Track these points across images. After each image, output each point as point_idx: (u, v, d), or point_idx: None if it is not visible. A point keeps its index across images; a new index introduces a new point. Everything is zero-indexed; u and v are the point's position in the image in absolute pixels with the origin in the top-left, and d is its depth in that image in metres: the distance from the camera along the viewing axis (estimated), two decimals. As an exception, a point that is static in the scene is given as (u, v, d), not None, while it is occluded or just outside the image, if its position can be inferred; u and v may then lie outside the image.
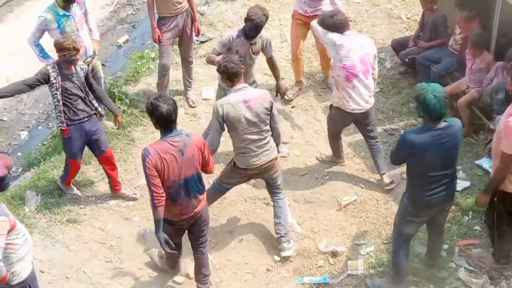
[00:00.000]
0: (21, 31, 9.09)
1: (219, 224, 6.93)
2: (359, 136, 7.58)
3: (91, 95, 6.75)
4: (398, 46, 8.60)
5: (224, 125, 6.05)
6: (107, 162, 7.05)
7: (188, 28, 8.15)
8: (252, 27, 6.86)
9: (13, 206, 7.04)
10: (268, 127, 6.12)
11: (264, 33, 7.11)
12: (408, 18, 9.62)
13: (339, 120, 7.03)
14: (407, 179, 5.58)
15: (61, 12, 7.23)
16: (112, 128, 8.00)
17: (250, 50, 7.01)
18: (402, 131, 7.81)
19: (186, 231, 5.86)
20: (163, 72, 8.33)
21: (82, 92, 6.64)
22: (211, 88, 8.69)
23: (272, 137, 6.22)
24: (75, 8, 7.31)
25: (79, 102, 6.66)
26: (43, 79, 6.52)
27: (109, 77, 8.92)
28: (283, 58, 9.17)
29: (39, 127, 8.79)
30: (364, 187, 7.19)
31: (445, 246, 6.35)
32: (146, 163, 5.29)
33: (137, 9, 11.12)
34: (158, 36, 8.01)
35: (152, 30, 8.06)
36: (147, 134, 8.10)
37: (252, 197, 7.22)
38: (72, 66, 6.55)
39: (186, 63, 8.46)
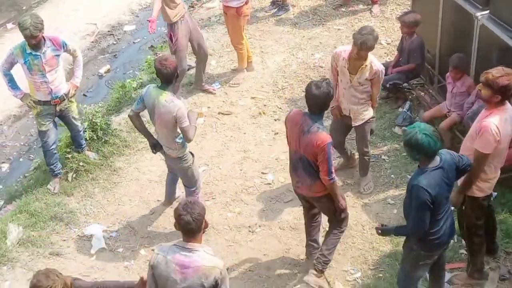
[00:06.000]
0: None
1: (205, 254, 6.87)
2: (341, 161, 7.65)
3: None
4: (379, 71, 8.67)
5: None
6: None
7: (197, 26, 8.80)
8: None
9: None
10: None
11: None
12: (388, 44, 9.69)
13: None
14: None
15: (29, 50, 7.11)
16: (94, 158, 7.96)
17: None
18: (385, 156, 7.86)
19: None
20: (182, 76, 8.77)
21: None
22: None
23: None
24: (46, 49, 7.17)
25: None
26: None
27: (91, 107, 8.87)
28: (265, 84, 9.21)
29: (21, 159, 8.73)
30: (349, 213, 7.18)
31: (432, 270, 6.35)
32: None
33: (118, 39, 11.13)
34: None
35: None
36: (130, 164, 8.06)
37: (237, 226, 7.18)
38: None
39: (204, 57, 8.99)
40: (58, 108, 7.49)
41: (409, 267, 5.57)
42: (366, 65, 6.72)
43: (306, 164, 5.90)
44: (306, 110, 5.94)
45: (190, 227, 4.54)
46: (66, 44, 7.36)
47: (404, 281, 5.69)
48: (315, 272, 6.18)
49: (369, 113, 7.01)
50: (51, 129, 7.58)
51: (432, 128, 5.09)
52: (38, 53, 7.14)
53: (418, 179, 5.07)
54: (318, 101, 5.73)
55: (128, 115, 6.83)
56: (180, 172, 6.93)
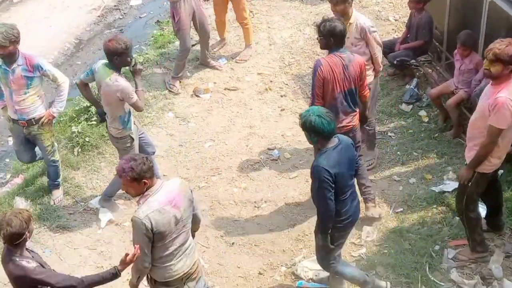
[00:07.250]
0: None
1: (210, 229, 6.91)
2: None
3: None
4: (386, 48, 8.53)
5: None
6: None
7: (201, 6, 8.65)
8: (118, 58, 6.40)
9: (1, 213, 6.96)
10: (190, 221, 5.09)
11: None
12: (396, 20, 9.65)
13: None
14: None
15: (0, 62, 6.65)
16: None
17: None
18: (391, 133, 7.85)
19: None
20: (186, 54, 8.83)
21: None
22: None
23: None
24: (16, 67, 6.58)
25: None
26: None
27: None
28: (271, 60, 9.17)
29: (27, 133, 8.73)
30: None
31: (436, 247, 6.36)
32: (317, 73, 6.06)
33: (124, 13, 11.08)
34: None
35: None
36: (136, 139, 8.06)
37: (243, 201, 7.20)
38: None
39: (206, 37, 8.96)
40: (26, 131, 6.94)
41: (325, 252, 5.65)
42: (350, 23, 6.73)
43: (353, 95, 6.24)
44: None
45: (151, 165, 4.81)
46: (41, 68, 6.67)
47: (323, 262, 5.77)
48: (373, 204, 6.72)
49: (369, 78, 6.83)
50: (21, 151, 7.21)
51: (325, 110, 5.24)
52: (7, 68, 6.61)
53: (319, 160, 5.21)
54: (345, 33, 6.13)
55: (75, 83, 6.99)
56: (118, 150, 6.90)
